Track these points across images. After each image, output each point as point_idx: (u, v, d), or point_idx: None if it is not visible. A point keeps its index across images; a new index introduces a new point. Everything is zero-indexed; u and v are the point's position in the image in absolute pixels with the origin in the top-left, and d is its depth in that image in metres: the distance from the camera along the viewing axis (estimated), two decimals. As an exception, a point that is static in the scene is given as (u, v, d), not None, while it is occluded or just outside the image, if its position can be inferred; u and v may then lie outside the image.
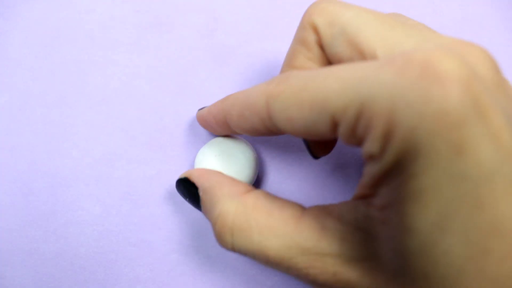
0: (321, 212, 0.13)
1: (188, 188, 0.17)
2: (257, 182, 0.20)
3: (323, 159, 0.21)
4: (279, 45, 0.23)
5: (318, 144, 0.17)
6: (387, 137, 0.10)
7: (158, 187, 0.20)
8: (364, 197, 0.12)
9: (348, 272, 0.12)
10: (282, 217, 0.14)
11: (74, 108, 0.21)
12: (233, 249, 0.14)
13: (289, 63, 0.16)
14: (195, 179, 0.17)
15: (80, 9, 0.23)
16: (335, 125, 0.12)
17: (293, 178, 0.20)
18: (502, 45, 0.23)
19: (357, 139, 0.12)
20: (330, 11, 0.14)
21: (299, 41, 0.15)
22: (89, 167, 0.20)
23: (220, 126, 0.17)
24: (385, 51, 0.13)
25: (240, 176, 0.18)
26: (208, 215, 0.16)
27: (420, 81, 0.10)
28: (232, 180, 0.16)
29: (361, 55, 0.13)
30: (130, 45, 0.23)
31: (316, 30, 0.15)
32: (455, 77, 0.10)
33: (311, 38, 0.15)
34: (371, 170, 0.11)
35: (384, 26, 0.13)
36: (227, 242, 0.14)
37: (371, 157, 0.11)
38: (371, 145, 0.11)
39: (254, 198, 0.15)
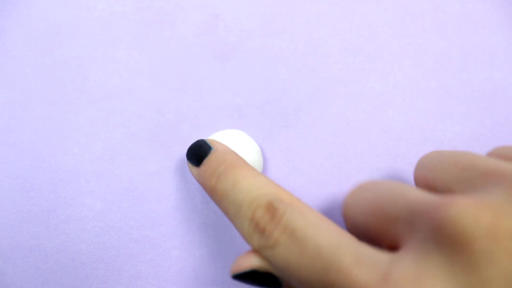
0: None
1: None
2: (258, 178, 0.20)
3: (324, 155, 0.21)
4: (280, 42, 0.23)
5: None
6: None
7: (159, 183, 0.20)
8: None
9: None
10: None
11: (75, 105, 0.21)
12: None
13: None
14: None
15: (81, 6, 0.23)
16: None
17: (294, 174, 0.20)
18: (502, 43, 0.23)
19: None
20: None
21: None
22: (90, 163, 0.20)
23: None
24: None
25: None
26: None
27: None
28: None
29: None
30: (131, 41, 0.23)
31: None
32: None
33: None
34: None
35: None
36: None
37: None
38: None
39: None
